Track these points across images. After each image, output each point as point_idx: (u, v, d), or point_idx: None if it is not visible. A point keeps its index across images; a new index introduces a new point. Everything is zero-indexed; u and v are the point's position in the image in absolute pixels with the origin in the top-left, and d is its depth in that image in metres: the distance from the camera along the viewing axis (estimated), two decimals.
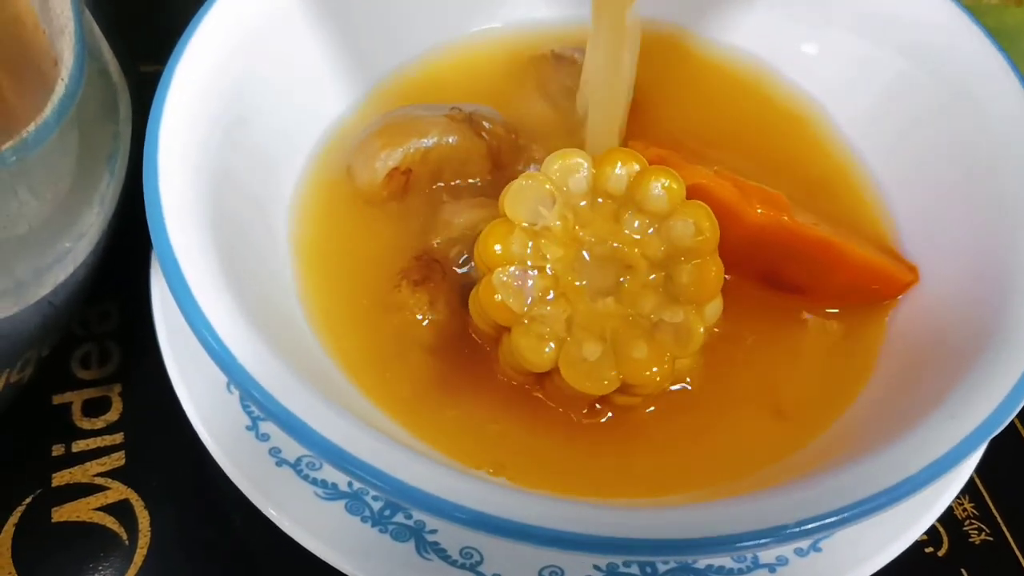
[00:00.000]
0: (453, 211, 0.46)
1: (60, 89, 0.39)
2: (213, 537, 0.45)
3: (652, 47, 0.53)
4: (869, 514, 0.33)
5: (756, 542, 0.32)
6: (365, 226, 0.47)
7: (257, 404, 0.34)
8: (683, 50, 0.56)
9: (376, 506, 0.41)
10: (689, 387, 0.43)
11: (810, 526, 0.33)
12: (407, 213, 0.47)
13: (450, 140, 0.46)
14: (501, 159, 0.47)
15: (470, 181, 0.48)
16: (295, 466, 0.42)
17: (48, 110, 0.38)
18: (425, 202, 0.47)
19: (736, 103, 0.54)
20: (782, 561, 0.41)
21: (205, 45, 0.44)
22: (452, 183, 0.47)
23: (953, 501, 0.45)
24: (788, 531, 0.32)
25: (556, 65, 0.53)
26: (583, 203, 0.41)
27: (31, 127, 0.37)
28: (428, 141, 0.46)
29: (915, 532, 0.41)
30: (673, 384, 0.42)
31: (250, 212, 0.44)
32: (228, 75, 0.45)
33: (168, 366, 0.44)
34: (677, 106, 0.53)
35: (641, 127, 0.50)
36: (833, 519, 0.32)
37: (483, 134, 0.47)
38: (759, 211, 0.43)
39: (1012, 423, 0.50)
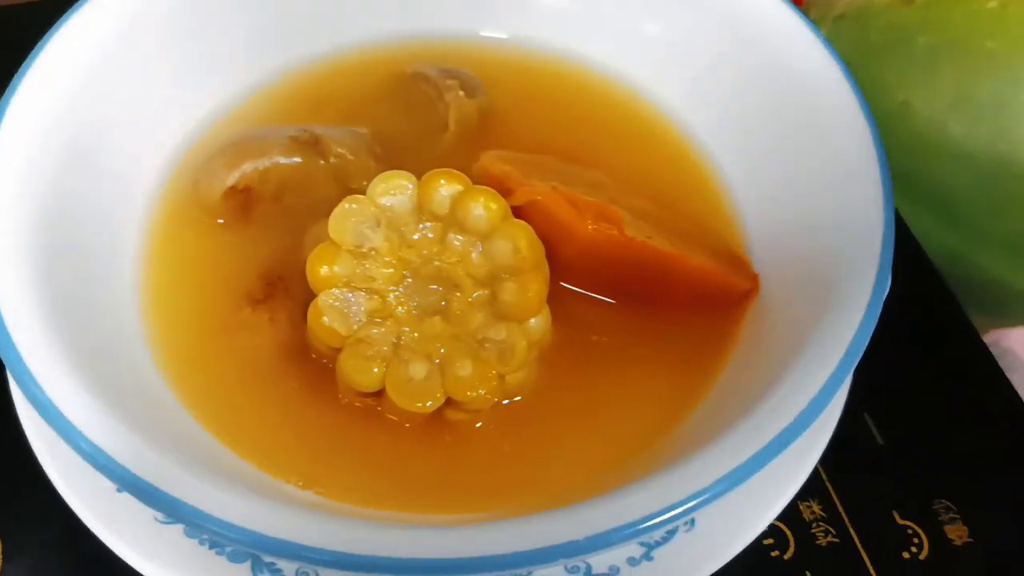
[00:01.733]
0: (326, 228, 0.46)
1: None
2: (67, 570, 0.45)
3: (510, 65, 0.54)
4: (653, 529, 0.33)
5: (543, 561, 0.33)
6: (214, 248, 0.47)
7: (74, 447, 0.35)
8: (539, 66, 0.56)
9: None
10: (520, 401, 0.43)
11: (600, 541, 0.33)
12: (256, 233, 0.47)
13: (292, 161, 0.47)
14: (349, 182, 0.48)
15: (316, 201, 0.48)
16: None
17: None
18: (274, 222, 0.48)
19: (590, 113, 0.54)
20: (614, 570, 0.42)
21: (48, 69, 0.45)
22: (301, 203, 0.48)
23: (801, 504, 0.46)
24: (577, 545, 0.33)
25: (416, 83, 0.53)
26: (409, 224, 0.42)
27: None
28: (267, 161, 0.46)
29: (746, 539, 0.42)
30: (505, 399, 0.43)
31: (92, 241, 0.45)
32: (71, 98, 0.45)
33: (15, 400, 0.44)
34: (536, 121, 0.53)
35: (495, 140, 0.51)
36: (617, 536, 0.33)
37: (330, 157, 0.47)
38: (591, 226, 0.43)
39: (865, 425, 0.51)
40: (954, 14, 0.63)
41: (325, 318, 0.41)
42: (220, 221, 0.48)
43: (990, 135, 0.60)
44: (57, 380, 0.36)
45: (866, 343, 0.38)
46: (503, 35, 0.57)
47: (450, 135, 0.51)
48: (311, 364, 0.44)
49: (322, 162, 0.48)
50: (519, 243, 0.41)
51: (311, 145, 0.48)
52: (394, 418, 0.42)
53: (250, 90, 0.54)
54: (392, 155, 0.51)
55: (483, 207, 0.41)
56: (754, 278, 0.47)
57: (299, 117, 0.51)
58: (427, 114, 0.52)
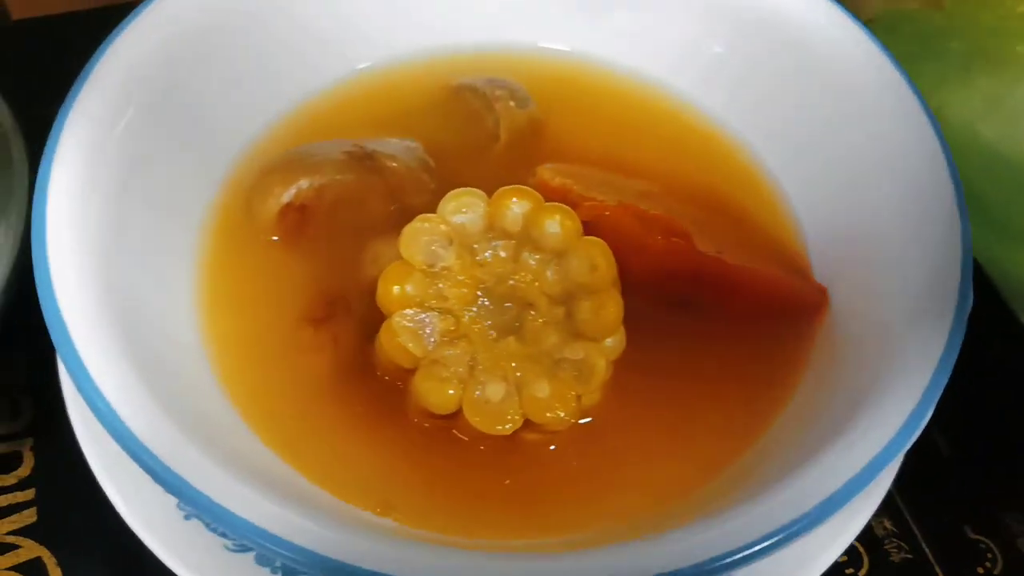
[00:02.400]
0: (385, 244, 0.46)
1: None
2: None
3: (558, 76, 0.53)
4: (755, 559, 0.32)
5: None
6: (270, 266, 0.46)
7: (145, 468, 0.34)
8: (588, 77, 0.55)
9: None
10: (593, 421, 0.42)
11: (706, 569, 0.32)
12: (312, 251, 0.46)
13: (347, 177, 0.46)
14: (404, 197, 0.47)
15: (371, 217, 0.47)
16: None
17: None
18: (329, 240, 0.46)
19: (646, 127, 0.53)
20: None
21: (99, 87, 0.43)
22: (355, 220, 0.46)
23: (873, 520, 0.45)
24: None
25: (462, 95, 0.52)
26: (481, 242, 0.41)
27: None
28: (321, 178, 0.45)
29: (827, 559, 0.41)
30: (581, 419, 0.42)
31: (150, 259, 0.43)
32: (123, 116, 0.44)
33: (73, 421, 0.43)
34: (586, 132, 0.52)
35: (546, 151, 0.50)
36: (721, 564, 0.32)
37: (383, 172, 0.46)
38: (660, 241, 0.42)
39: (931, 439, 0.50)
40: (983, 19, 0.63)
41: (398, 338, 0.40)
42: (275, 239, 0.46)
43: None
44: (126, 400, 0.35)
45: (953, 363, 0.37)
46: (562, 47, 0.56)
47: (501, 146, 0.50)
48: (378, 384, 0.43)
49: (376, 177, 0.46)
50: (596, 260, 0.40)
51: (365, 160, 0.47)
52: (467, 439, 0.41)
53: (301, 105, 0.52)
54: (444, 168, 0.49)
55: (558, 224, 0.40)
56: (822, 291, 0.46)
57: (350, 132, 0.50)
58: (476, 125, 0.51)
